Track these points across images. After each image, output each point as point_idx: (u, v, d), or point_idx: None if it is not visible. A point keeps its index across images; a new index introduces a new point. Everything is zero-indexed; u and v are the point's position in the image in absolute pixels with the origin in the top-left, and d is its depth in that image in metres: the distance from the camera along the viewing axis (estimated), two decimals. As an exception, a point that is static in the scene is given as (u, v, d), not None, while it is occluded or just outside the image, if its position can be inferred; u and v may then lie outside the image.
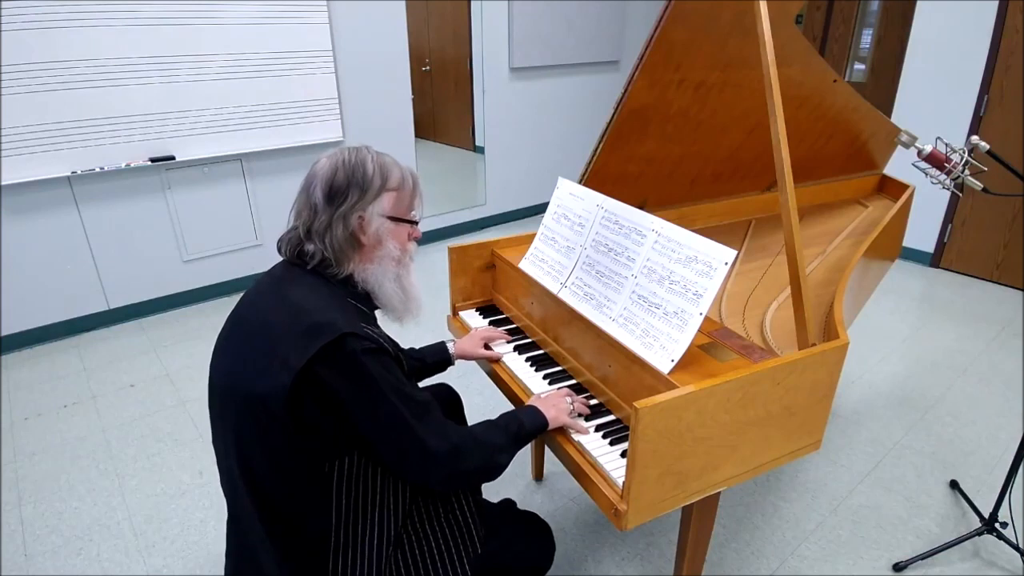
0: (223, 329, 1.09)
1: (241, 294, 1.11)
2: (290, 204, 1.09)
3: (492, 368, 1.50)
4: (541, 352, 1.50)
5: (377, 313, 1.16)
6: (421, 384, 1.48)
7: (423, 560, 1.13)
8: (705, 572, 1.44)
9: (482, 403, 2.43)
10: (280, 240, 1.10)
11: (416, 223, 1.16)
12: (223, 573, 1.17)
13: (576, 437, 1.20)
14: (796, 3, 1.66)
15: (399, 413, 0.97)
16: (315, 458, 0.99)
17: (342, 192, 1.03)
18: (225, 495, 1.10)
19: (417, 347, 1.51)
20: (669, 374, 1.11)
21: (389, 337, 1.05)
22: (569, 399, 1.24)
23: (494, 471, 1.10)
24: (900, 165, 2.23)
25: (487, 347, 1.51)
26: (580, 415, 1.24)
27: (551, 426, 1.20)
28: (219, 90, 3.08)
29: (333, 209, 1.03)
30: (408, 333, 1.22)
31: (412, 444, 0.99)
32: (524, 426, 1.17)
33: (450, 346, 1.51)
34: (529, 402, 1.25)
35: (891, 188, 2.43)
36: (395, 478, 1.10)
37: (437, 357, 1.49)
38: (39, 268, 2.91)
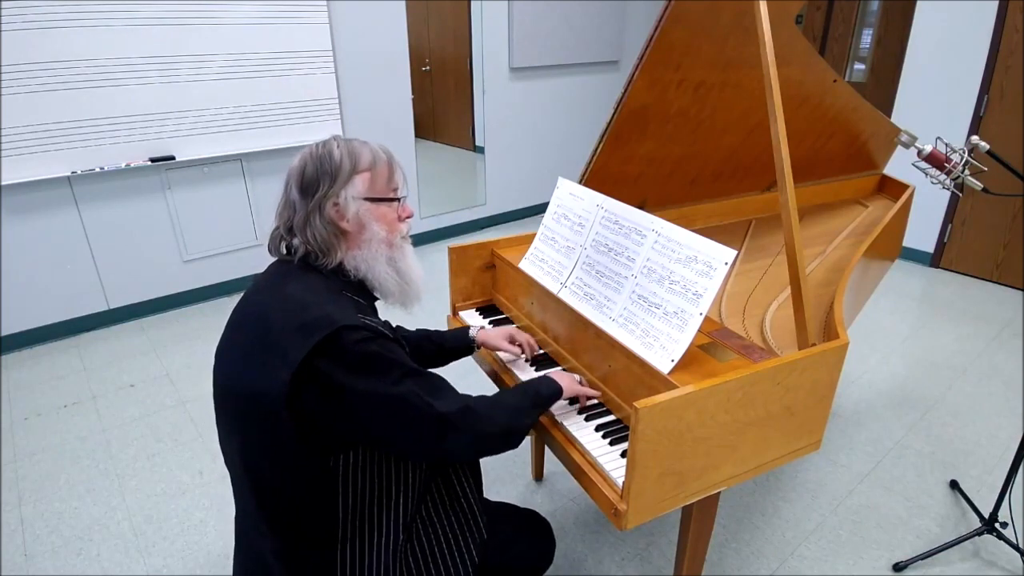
0: (224, 331, 1.09)
1: (241, 294, 1.12)
2: None
3: (492, 368, 1.51)
4: (541, 352, 1.49)
5: (379, 304, 1.15)
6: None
7: (431, 549, 1.13)
8: (705, 572, 1.44)
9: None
10: (268, 241, 1.12)
11: (399, 200, 1.13)
12: (229, 571, 1.18)
13: (575, 434, 1.20)
14: (796, 3, 1.66)
15: (409, 389, 0.97)
16: (319, 453, 0.98)
17: (313, 184, 1.04)
18: (233, 492, 1.12)
19: (433, 332, 1.49)
20: (669, 374, 1.11)
21: (388, 323, 1.04)
22: (577, 376, 1.29)
23: (516, 433, 1.11)
24: (900, 165, 2.23)
25: (512, 343, 1.45)
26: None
27: (565, 394, 1.22)
28: (219, 90, 3.07)
29: (308, 201, 1.04)
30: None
31: (428, 416, 0.98)
32: (540, 392, 1.19)
33: (473, 331, 1.47)
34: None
35: (891, 188, 2.43)
36: (399, 470, 1.09)
37: (457, 343, 1.47)
38: (39, 268, 2.91)
